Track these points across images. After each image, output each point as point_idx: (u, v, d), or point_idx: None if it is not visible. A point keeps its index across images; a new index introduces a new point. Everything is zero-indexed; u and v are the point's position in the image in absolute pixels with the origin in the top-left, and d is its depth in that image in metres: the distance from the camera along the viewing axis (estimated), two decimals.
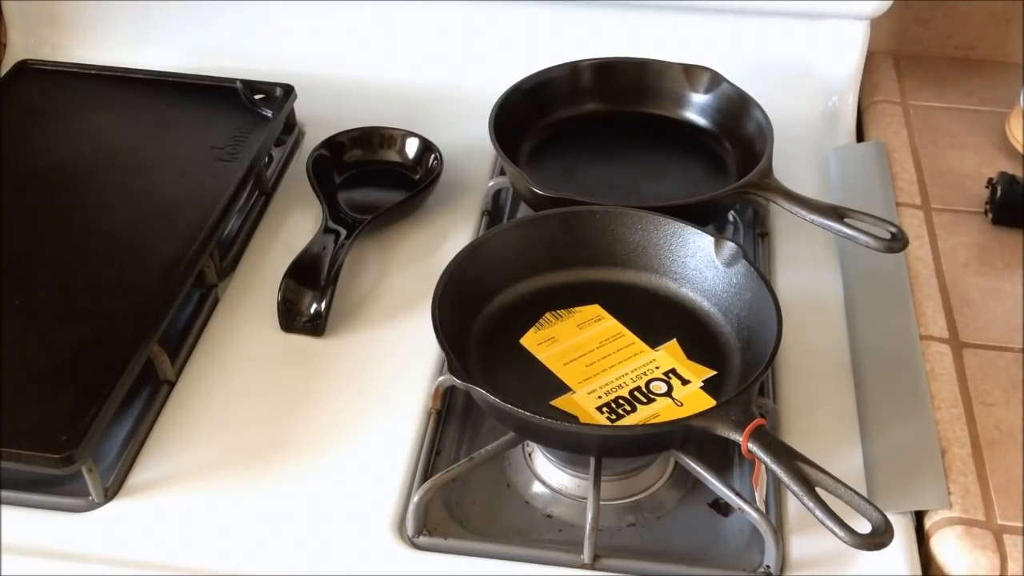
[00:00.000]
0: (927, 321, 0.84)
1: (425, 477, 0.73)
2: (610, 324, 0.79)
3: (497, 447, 0.72)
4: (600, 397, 0.73)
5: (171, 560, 0.69)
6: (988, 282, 0.88)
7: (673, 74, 1.01)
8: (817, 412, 0.79)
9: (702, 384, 0.74)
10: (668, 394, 0.74)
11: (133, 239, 0.85)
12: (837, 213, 0.83)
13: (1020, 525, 0.70)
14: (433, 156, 0.97)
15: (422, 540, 0.70)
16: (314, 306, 0.84)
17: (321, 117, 1.04)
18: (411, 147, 0.99)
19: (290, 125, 1.03)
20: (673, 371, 0.75)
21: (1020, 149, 1.00)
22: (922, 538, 0.71)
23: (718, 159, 0.98)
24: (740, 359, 0.76)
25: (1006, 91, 1.07)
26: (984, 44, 1.15)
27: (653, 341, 0.78)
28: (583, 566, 0.69)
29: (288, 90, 1.00)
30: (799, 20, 1.06)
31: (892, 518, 0.63)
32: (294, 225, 0.94)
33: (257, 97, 0.99)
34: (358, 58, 1.12)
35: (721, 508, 0.74)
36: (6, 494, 0.72)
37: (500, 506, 0.74)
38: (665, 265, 0.82)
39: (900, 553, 0.70)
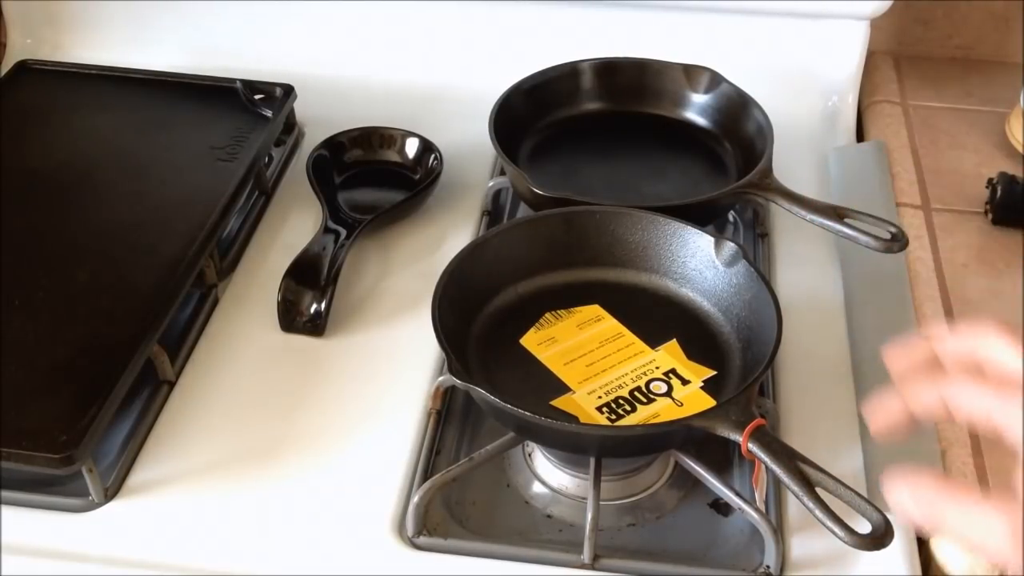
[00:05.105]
0: (927, 321, 0.84)
1: (425, 477, 0.73)
2: (610, 324, 0.79)
3: (497, 447, 0.72)
4: (600, 397, 0.73)
5: (171, 560, 0.69)
6: (988, 282, 0.88)
7: (673, 74, 1.01)
8: (817, 412, 0.79)
9: (702, 384, 0.74)
10: (668, 394, 0.74)
11: (133, 239, 0.85)
12: (837, 213, 0.83)
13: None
14: (433, 156, 0.97)
15: (422, 540, 0.70)
16: (314, 306, 0.84)
17: (321, 117, 1.04)
18: (411, 147, 0.99)
19: (290, 125, 1.02)
20: (673, 371, 0.75)
21: (1020, 149, 1.00)
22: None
23: (718, 159, 0.98)
24: (740, 359, 0.76)
25: (1006, 91, 1.07)
26: (984, 44, 1.15)
27: (653, 341, 0.78)
28: (583, 566, 0.69)
29: (288, 90, 1.00)
30: (799, 20, 1.06)
31: (892, 518, 0.63)
32: (294, 225, 0.94)
33: (257, 97, 0.99)
34: (358, 58, 1.12)
35: (721, 508, 0.74)
36: (6, 494, 0.71)
37: (500, 506, 0.74)
38: (665, 265, 0.82)
39: (900, 553, 0.70)
